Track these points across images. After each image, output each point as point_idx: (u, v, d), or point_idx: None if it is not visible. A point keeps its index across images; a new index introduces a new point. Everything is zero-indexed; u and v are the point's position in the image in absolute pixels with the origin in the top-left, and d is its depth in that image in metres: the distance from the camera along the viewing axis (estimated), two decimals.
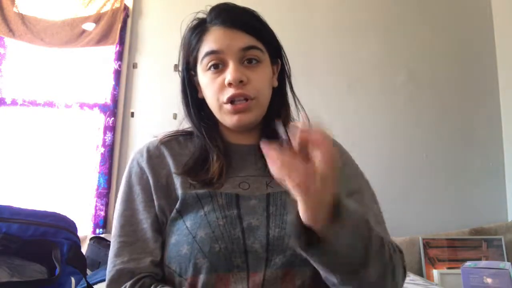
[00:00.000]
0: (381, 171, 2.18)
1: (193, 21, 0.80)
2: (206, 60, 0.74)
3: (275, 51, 0.81)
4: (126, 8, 2.20)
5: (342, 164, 0.82)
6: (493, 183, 2.30)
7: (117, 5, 2.17)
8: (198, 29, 0.77)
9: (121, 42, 2.18)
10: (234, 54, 0.73)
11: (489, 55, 2.40)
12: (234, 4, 0.78)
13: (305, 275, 0.66)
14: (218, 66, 0.74)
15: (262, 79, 0.76)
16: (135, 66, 2.21)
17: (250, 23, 0.76)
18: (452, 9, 2.44)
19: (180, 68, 0.82)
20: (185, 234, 0.69)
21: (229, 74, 0.72)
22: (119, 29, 2.15)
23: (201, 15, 0.79)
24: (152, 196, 0.75)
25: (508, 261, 1.91)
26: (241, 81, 0.72)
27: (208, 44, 0.75)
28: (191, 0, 2.26)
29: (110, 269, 0.71)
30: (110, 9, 2.15)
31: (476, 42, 2.42)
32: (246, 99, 0.73)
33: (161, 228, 0.74)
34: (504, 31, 2.37)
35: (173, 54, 2.47)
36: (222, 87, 0.74)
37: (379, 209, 0.81)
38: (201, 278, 0.66)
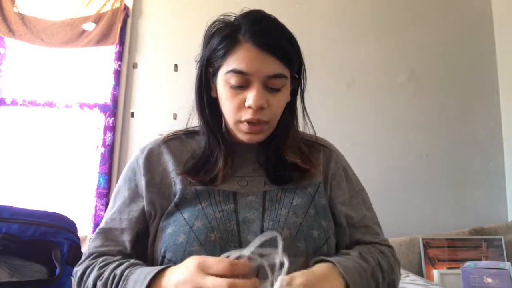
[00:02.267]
0: (381, 171, 2.18)
1: (223, 24, 0.78)
2: (230, 75, 0.73)
3: (298, 71, 0.81)
4: (126, 8, 2.20)
5: (343, 168, 0.86)
6: (493, 183, 2.30)
7: (117, 5, 2.17)
8: (230, 38, 0.74)
9: (121, 42, 2.18)
10: (260, 79, 0.72)
11: (489, 55, 2.40)
12: (271, 22, 0.76)
13: (297, 265, 0.68)
14: (242, 86, 0.73)
15: (280, 105, 0.77)
16: (135, 66, 2.21)
17: (284, 49, 0.74)
18: (452, 9, 2.44)
19: (198, 65, 0.81)
20: (182, 225, 0.71)
21: (251, 99, 0.72)
22: (119, 29, 2.15)
23: (231, 17, 0.78)
24: (142, 191, 0.78)
25: (508, 261, 1.92)
26: (261, 108, 0.73)
27: (238, 61, 0.72)
28: (191, 0, 2.29)
29: (84, 252, 0.76)
30: (110, 9, 2.15)
31: (476, 42, 2.42)
32: (261, 123, 0.75)
33: (145, 223, 0.77)
34: (504, 31, 2.37)
35: (173, 54, 2.48)
36: (241, 107, 0.74)
37: (372, 208, 0.86)
38: None
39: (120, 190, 0.81)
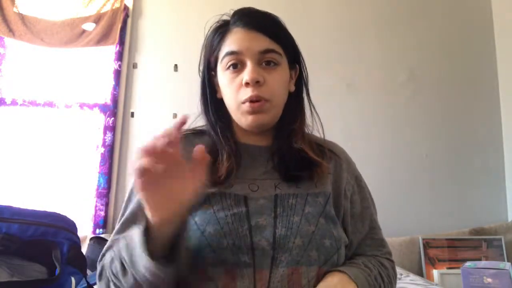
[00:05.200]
0: (381, 171, 2.18)
1: (216, 22, 0.83)
2: (226, 59, 0.77)
3: (294, 57, 0.84)
4: (126, 8, 2.20)
5: (355, 178, 0.87)
6: (493, 183, 2.30)
7: (117, 5, 2.17)
8: (221, 30, 0.81)
9: (121, 42, 2.18)
10: (252, 56, 0.76)
11: (489, 55, 2.41)
12: (258, 10, 0.81)
13: (311, 274, 0.68)
14: (237, 66, 0.77)
15: (278, 82, 0.78)
16: (135, 66, 2.21)
17: (271, 27, 0.79)
18: (453, 9, 2.44)
19: (201, 68, 0.85)
20: (193, 230, 0.70)
21: (246, 75, 0.75)
22: (119, 29, 2.15)
23: (225, 17, 0.82)
24: None
25: (508, 261, 1.92)
26: (257, 82, 0.75)
27: (229, 44, 0.77)
28: (191, 0, 2.29)
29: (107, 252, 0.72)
30: (110, 9, 2.15)
31: (476, 42, 2.42)
32: (261, 100, 0.76)
33: None
34: (504, 31, 2.37)
35: (173, 54, 2.48)
36: (240, 87, 0.76)
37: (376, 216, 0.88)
38: (209, 272, 0.67)
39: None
